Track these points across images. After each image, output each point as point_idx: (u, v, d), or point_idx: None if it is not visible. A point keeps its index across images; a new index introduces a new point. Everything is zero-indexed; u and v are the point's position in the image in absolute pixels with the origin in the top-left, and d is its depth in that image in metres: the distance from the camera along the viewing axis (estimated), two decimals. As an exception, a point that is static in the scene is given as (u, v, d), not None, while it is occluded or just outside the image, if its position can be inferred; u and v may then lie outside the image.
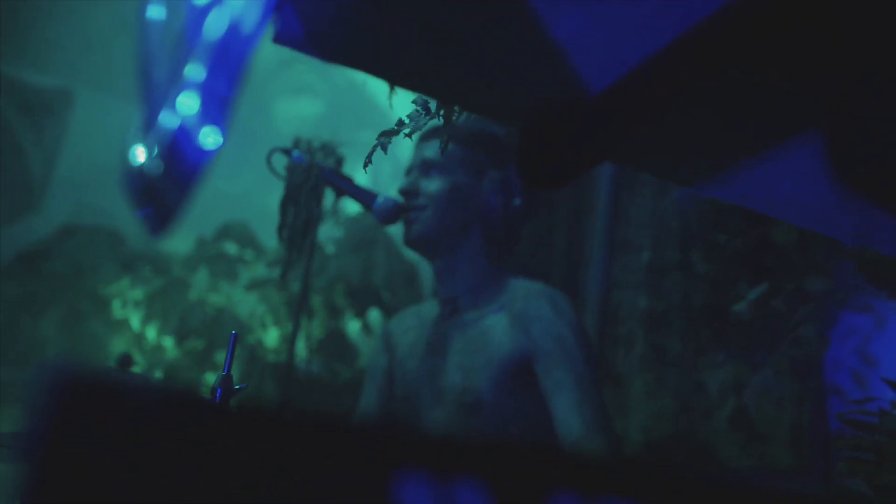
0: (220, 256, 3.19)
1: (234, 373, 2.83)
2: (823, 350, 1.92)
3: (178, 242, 3.50)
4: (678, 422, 2.36)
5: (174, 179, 0.43)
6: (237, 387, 0.78)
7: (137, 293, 3.15)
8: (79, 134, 3.80)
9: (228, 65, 0.44)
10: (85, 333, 3.01)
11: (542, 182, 0.57)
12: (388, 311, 2.93)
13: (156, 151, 0.44)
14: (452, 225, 1.42)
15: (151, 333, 3.09)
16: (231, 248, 3.25)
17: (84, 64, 3.73)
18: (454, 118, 0.99)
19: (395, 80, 0.64)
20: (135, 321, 3.13)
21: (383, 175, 4.14)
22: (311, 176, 1.97)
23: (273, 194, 2.40)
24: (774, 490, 0.38)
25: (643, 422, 2.42)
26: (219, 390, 0.74)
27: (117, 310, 3.15)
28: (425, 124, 1.08)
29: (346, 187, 1.69)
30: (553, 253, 2.77)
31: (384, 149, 1.09)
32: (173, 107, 0.44)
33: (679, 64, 0.54)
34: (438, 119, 1.00)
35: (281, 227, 2.15)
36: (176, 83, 0.44)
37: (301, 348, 2.46)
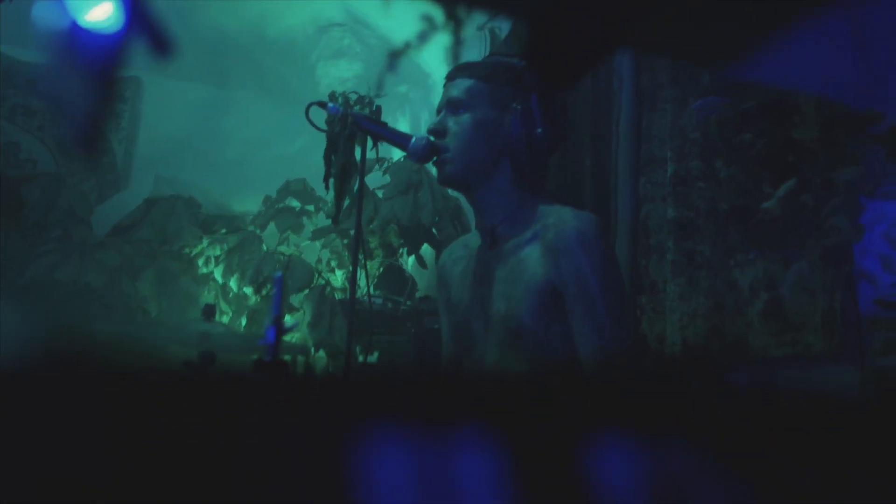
0: (285, 211, 3.54)
1: (307, 311, 3.14)
2: (858, 237, 1.91)
3: (248, 203, 3.87)
4: (712, 319, 2.48)
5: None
6: (288, 326, 0.86)
7: (216, 250, 3.54)
8: (150, 116, 4.20)
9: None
10: (178, 289, 3.43)
11: (558, 75, 0.52)
12: (438, 245, 3.19)
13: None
14: (480, 160, 1.48)
15: (233, 284, 3.48)
16: (294, 202, 3.59)
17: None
18: (461, 23, 1.03)
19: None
20: (218, 275, 3.53)
21: (423, 122, 4.38)
22: (347, 124, 2.21)
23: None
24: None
25: (679, 322, 2.57)
26: (272, 330, 0.83)
27: (202, 266, 3.56)
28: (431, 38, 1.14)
29: (381, 131, 1.68)
30: (582, 175, 2.92)
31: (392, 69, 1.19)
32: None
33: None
34: (445, 31, 1.07)
35: (326, 176, 2.42)
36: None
37: (363, 284, 2.73)
